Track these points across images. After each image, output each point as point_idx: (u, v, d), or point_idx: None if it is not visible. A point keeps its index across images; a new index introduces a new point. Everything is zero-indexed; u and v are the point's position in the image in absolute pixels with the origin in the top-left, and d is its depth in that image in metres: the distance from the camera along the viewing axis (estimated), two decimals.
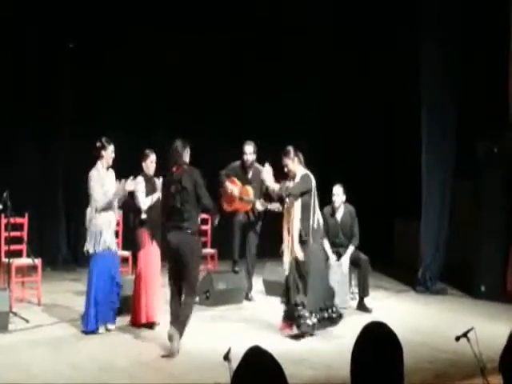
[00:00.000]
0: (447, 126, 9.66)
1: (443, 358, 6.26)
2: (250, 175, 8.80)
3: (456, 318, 7.81)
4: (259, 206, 8.42)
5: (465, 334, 4.60)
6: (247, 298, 8.84)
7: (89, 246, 7.08)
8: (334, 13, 11.89)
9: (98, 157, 7.10)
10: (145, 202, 7.34)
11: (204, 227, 9.80)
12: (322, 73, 12.04)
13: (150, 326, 7.23)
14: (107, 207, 7.04)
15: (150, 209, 7.34)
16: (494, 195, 9.18)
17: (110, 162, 7.17)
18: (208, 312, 8.12)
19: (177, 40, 11.34)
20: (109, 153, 7.11)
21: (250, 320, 7.67)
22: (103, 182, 7.06)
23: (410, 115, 10.20)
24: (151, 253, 7.36)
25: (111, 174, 7.24)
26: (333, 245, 8.69)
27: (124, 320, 7.42)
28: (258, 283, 9.13)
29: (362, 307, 8.36)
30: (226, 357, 3.79)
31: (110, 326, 7.06)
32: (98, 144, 7.09)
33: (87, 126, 10.74)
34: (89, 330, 6.89)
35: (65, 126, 11.11)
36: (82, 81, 10.94)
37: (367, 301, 8.43)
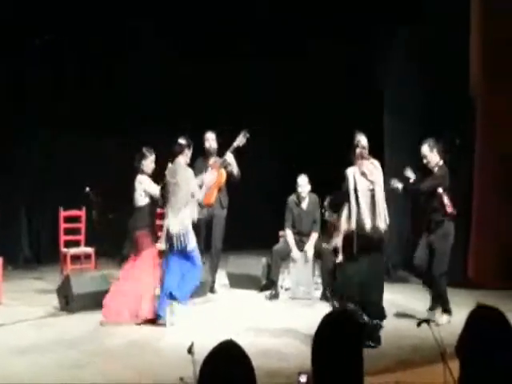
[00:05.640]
0: (411, 119, 9.72)
1: (407, 344, 6.36)
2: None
3: (418, 304, 7.90)
4: (229, 157, 8.55)
5: (426, 320, 4.68)
6: (211, 291, 8.84)
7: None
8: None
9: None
10: (156, 190, 7.31)
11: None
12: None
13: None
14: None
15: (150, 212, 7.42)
16: (454, 185, 9.29)
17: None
18: None
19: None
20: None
21: (216, 312, 7.70)
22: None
23: (373, 104, 10.29)
24: (148, 256, 7.33)
25: None
26: (298, 233, 8.78)
27: (92, 317, 7.39)
28: (221, 276, 9.15)
29: (325, 297, 8.42)
30: (190, 350, 3.80)
31: None
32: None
33: (52, 123, 10.65)
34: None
35: (27, 119, 10.91)
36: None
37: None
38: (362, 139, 6.57)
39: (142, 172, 7.31)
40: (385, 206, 6.50)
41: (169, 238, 7.20)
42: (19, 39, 10.47)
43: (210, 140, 8.80)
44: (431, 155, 7.34)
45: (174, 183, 7.23)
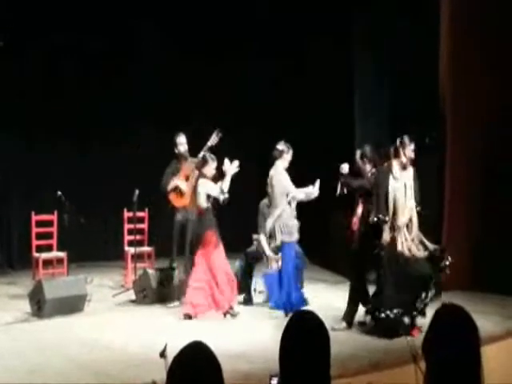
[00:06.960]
0: (381, 115, 9.79)
1: (379, 346, 6.39)
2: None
3: None
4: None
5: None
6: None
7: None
8: None
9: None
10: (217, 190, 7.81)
11: (140, 226, 9.74)
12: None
13: None
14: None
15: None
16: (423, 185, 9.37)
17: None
18: (145, 310, 8.10)
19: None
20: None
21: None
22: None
23: (344, 104, 10.35)
24: (219, 252, 7.92)
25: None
26: (270, 237, 8.75)
27: (64, 322, 7.30)
28: None
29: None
30: (162, 354, 3.78)
31: None
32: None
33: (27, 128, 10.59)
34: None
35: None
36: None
37: (304, 293, 8.52)
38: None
39: (204, 176, 7.79)
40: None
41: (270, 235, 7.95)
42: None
43: (184, 144, 8.79)
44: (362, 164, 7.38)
45: (270, 185, 7.96)
